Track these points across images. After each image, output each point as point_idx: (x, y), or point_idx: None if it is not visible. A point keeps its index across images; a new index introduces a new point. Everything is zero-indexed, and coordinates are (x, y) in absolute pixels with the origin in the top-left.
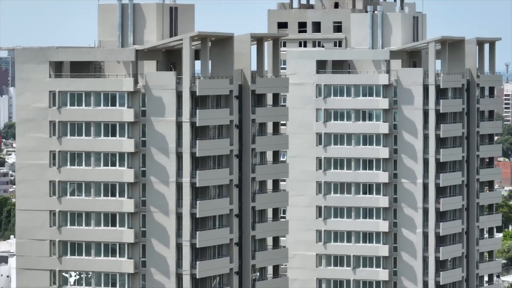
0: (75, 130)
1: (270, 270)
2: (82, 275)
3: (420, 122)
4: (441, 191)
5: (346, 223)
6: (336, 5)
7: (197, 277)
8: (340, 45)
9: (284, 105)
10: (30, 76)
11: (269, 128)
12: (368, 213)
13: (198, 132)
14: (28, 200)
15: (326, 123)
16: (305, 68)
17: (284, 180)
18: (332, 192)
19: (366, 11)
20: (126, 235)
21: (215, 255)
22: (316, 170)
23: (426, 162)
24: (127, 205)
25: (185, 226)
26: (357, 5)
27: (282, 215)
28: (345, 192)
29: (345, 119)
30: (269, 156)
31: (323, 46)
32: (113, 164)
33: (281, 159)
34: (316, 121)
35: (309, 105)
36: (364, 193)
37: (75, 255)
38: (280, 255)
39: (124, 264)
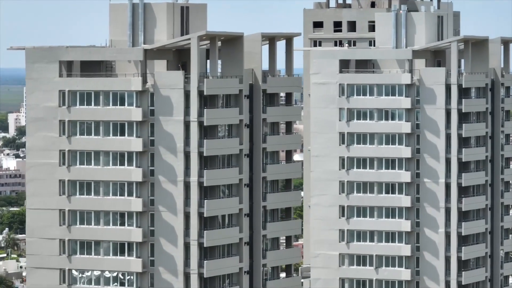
0: (84, 129)
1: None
2: (91, 274)
3: (443, 121)
4: (464, 191)
5: (368, 223)
6: (373, 4)
7: (205, 276)
8: (374, 45)
9: (297, 105)
10: (40, 76)
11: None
12: (390, 212)
13: (207, 132)
14: (38, 199)
15: (349, 123)
16: (328, 68)
17: (300, 179)
18: (355, 192)
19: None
20: (135, 234)
21: (224, 255)
22: (339, 170)
23: (448, 162)
24: (135, 204)
25: (193, 225)
26: (393, 4)
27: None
28: (368, 192)
29: (368, 119)
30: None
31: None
32: (122, 163)
33: (297, 158)
34: (339, 120)
35: (332, 104)
36: (387, 192)
37: (84, 254)
38: (292, 254)
39: (133, 263)
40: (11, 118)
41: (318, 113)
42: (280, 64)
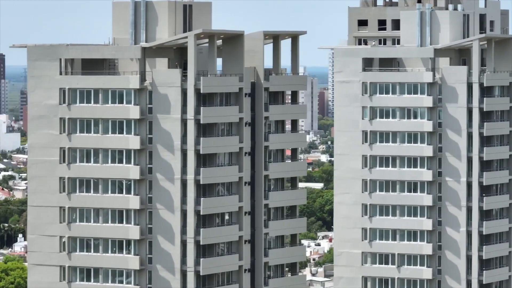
0: (84, 127)
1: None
2: (90, 272)
3: (464, 120)
4: (486, 190)
5: (391, 221)
6: (419, 2)
7: (201, 274)
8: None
9: (302, 103)
10: (41, 74)
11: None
12: (412, 211)
13: (206, 130)
14: (39, 196)
15: (372, 121)
16: (351, 66)
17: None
18: (377, 190)
19: (447, 9)
20: (132, 231)
21: (224, 253)
22: (362, 168)
23: (470, 161)
24: (133, 202)
25: (189, 223)
26: (438, 3)
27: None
28: (390, 190)
29: (391, 117)
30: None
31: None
32: (120, 161)
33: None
34: (362, 119)
35: (355, 102)
36: (409, 191)
37: (83, 252)
38: (296, 252)
39: (130, 261)
40: None
41: (341, 112)
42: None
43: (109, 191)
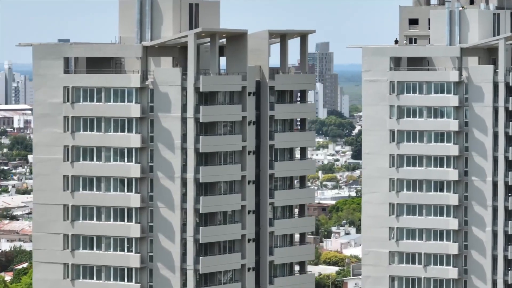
0: (87, 126)
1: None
2: (93, 269)
3: (490, 119)
4: None
5: (417, 221)
6: (472, 2)
7: (200, 272)
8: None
9: (311, 102)
10: (46, 72)
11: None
12: (438, 210)
13: (208, 128)
14: (43, 194)
15: (399, 120)
16: (379, 65)
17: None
18: (404, 189)
19: (503, 8)
20: (133, 229)
21: (226, 251)
22: (389, 167)
23: (496, 160)
24: (134, 200)
25: (189, 222)
26: (490, 2)
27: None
28: (417, 190)
29: (417, 116)
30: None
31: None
32: (122, 159)
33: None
34: (390, 118)
35: (383, 102)
36: (435, 190)
37: (86, 249)
38: (304, 251)
39: (131, 259)
40: None
41: (369, 111)
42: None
43: (111, 189)
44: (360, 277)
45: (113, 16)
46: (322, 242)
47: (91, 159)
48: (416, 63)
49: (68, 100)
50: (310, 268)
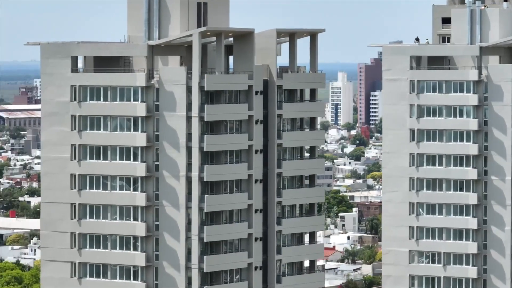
0: (94, 124)
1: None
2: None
3: (509, 118)
4: None
5: (437, 220)
6: (493, 1)
7: (204, 271)
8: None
9: (320, 101)
10: (53, 71)
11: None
12: (458, 210)
13: (213, 127)
14: (51, 193)
15: (419, 119)
16: (399, 64)
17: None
18: (424, 189)
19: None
20: (138, 228)
21: (232, 250)
22: (409, 166)
23: None
24: (139, 198)
25: (194, 221)
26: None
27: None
28: (437, 189)
29: (437, 115)
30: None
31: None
32: (128, 158)
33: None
34: (410, 117)
35: (403, 101)
36: (455, 189)
37: (93, 248)
38: (313, 250)
39: (137, 257)
40: None
41: (389, 110)
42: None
43: (117, 188)
44: None
45: (123, 15)
46: (380, 241)
47: (98, 158)
48: (438, 62)
49: (75, 99)
50: (364, 267)
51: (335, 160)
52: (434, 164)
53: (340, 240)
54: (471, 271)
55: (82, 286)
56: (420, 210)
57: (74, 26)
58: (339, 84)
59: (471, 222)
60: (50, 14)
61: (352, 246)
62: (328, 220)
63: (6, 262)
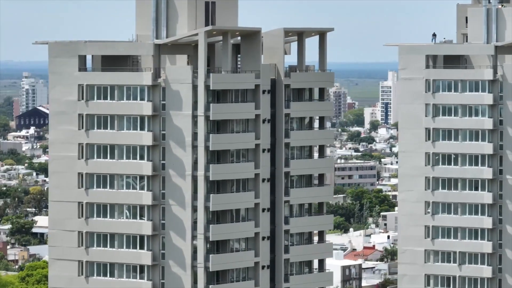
0: (101, 123)
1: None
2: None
3: None
4: None
5: (452, 219)
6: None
7: (210, 270)
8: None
9: (328, 100)
10: (61, 70)
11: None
12: (473, 209)
13: (220, 126)
14: (59, 192)
15: (434, 118)
16: (415, 63)
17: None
18: (440, 188)
19: None
20: (145, 227)
21: (238, 249)
22: (425, 166)
23: None
24: (145, 197)
25: (200, 219)
26: None
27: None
28: (452, 188)
29: (453, 115)
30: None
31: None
32: (134, 157)
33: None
34: (425, 116)
35: (419, 100)
36: (470, 189)
37: (100, 247)
38: (321, 249)
39: (143, 256)
40: (367, 112)
41: (405, 109)
42: (330, 58)
43: (124, 187)
44: None
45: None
46: None
47: (105, 157)
48: (455, 61)
49: (82, 98)
50: None
51: (382, 159)
52: (449, 163)
53: (380, 239)
54: (486, 271)
55: (89, 284)
56: (436, 208)
57: (84, 26)
58: (389, 83)
59: (486, 222)
60: (60, 14)
61: (392, 245)
62: (370, 219)
63: (44, 261)
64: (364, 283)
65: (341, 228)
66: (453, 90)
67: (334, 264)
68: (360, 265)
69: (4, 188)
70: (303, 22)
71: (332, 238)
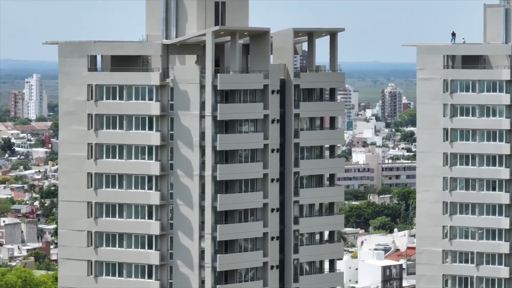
0: (110, 123)
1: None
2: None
3: None
4: None
5: (470, 220)
6: None
7: (217, 270)
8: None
9: (339, 100)
10: (71, 70)
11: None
12: (491, 209)
13: (228, 127)
14: (68, 191)
15: (452, 119)
16: (433, 63)
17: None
18: (458, 188)
19: None
20: (153, 227)
21: (246, 249)
22: (443, 166)
23: None
24: (153, 197)
25: (207, 219)
26: None
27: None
28: (470, 188)
29: (470, 115)
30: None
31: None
32: (143, 157)
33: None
34: (443, 116)
35: (437, 100)
36: (488, 189)
37: (109, 246)
38: (332, 249)
39: (151, 256)
40: None
41: (423, 109)
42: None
43: (133, 187)
44: None
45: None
46: None
47: (114, 157)
48: (474, 61)
49: (91, 98)
50: None
51: None
52: (467, 164)
53: None
54: (503, 271)
55: (98, 284)
56: (454, 209)
57: (96, 26)
58: None
59: (503, 222)
60: (79, 14)
61: None
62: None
63: None
64: (405, 283)
65: (387, 228)
66: (470, 91)
67: (375, 264)
68: (400, 265)
69: (53, 188)
70: (325, 21)
71: (376, 238)
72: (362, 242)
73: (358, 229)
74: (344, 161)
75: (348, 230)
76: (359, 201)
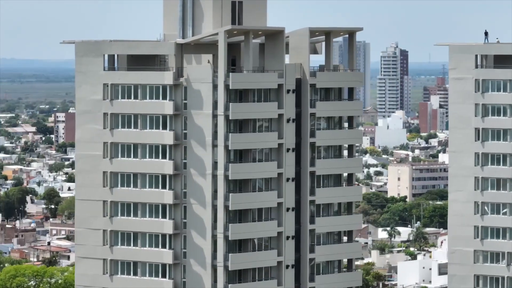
0: (125, 123)
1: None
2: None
3: None
4: None
5: (501, 220)
6: None
7: (229, 269)
8: None
9: (358, 99)
10: (87, 69)
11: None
12: None
13: (242, 126)
14: (84, 190)
15: (483, 118)
16: (465, 63)
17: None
18: (489, 188)
19: None
20: (166, 226)
21: (260, 248)
22: (475, 166)
23: None
24: (167, 196)
25: (219, 219)
26: None
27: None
28: (501, 188)
29: (502, 115)
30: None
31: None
32: (157, 156)
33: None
34: (475, 116)
35: (469, 100)
36: None
37: (124, 245)
38: (350, 249)
39: (165, 255)
40: None
41: (455, 109)
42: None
43: (147, 186)
44: None
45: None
46: None
47: (128, 156)
48: (507, 60)
49: (107, 97)
50: None
51: None
52: (498, 164)
53: None
54: None
55: (113, 282)
56: (486, 209)
57: (114, 26)
58: None
59: None
60: (104, 14)
61: None
62: None
63: None
64: None
65: None
66: (502, 90)
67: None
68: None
69: None
70: (361, 22)
71: None
72: (441, 242)
73: (441, 229)
74: (433, 160)
75: (429, 230)
76: (443, 201)
